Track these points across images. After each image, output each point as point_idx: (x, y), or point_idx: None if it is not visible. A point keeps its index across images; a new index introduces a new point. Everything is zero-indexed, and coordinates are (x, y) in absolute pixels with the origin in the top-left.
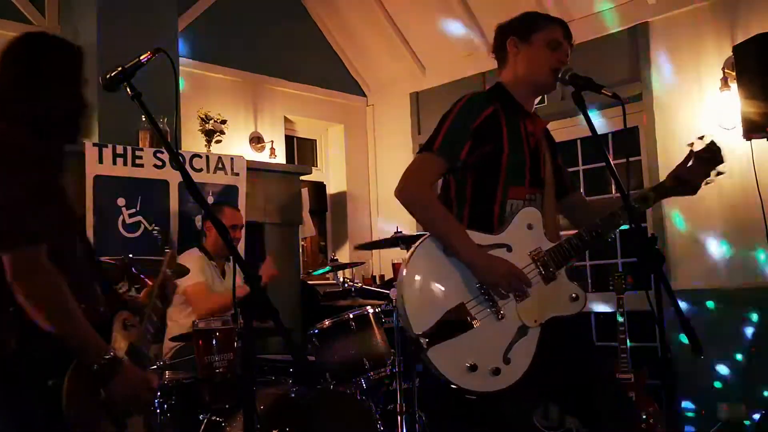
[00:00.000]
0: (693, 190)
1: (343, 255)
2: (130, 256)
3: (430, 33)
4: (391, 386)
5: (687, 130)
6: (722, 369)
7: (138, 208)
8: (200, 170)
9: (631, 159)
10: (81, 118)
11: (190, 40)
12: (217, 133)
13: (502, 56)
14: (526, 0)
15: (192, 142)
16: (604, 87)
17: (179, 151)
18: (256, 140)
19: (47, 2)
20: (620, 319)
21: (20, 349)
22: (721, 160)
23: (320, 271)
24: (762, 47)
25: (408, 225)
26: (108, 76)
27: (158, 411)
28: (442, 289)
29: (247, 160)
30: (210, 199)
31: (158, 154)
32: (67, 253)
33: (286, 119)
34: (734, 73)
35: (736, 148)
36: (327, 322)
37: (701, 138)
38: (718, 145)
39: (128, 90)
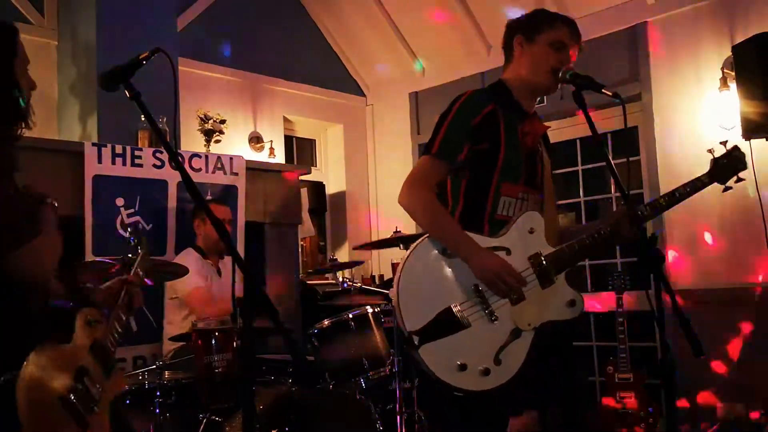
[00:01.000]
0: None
1: (343, 255)
2: (129, 256)
3: (430, 33)
4: (390, 386)
5: (686, 130)
6: (721, 369)
7: (137, 208)
8: (199, 170)
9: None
10: (11, 101)
11: (189, 40)
12: (216, 133)
13: (509, 54)
14: (526, 0)
15: (191, 141)
16: (605, 86)
17: (178, 151)
18: (255, 140)
19: (46, 2)
20: (619, 318)
21: None
22: (744, 166)
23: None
24: (761, 47)
25: (407, 225)
26: (107, 75)
27: (158, 411)
28: (437, 289)
29: (246, 160)
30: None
31: (157, 154)
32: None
33: (286, 119)
34: (733, 73)
35: None
36: (326, 322)
37: (724, 143)
38: (742, 151)
39: (127, 90)
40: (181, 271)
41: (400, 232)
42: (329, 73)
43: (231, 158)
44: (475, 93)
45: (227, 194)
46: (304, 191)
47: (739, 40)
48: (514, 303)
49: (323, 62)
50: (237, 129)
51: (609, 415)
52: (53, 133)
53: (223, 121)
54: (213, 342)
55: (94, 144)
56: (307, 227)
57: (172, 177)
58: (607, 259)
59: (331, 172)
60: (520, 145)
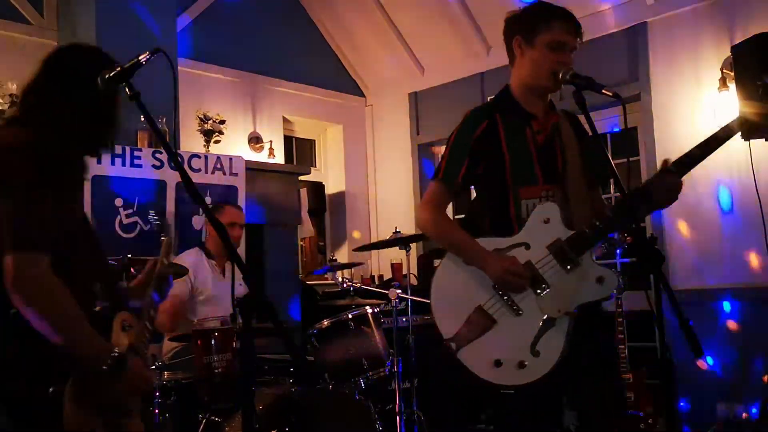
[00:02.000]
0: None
1: (342, 255)
2: (129, 256)
3: (429, 33)
4: (389, 386)
5: (685, 131)
6: (721, 368)
7: (135, 209)
8: (199, 170)
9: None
10: (103, 130)
11: (188, 40)
12: (216, 134)
13: (511, 57)
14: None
15: (191, 142)
16: (605, 87)
17: (178, 152)
18: (255, 140)
19: (45, 2)
20: (619, 319)
21: (21, 353)
22: None
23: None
24: (760, 47)
25: (407, 225)
26: (106, 76)
27: (157, 411)
28: (463, 295)
29: (245, 160)
30: (208, 200)
31: (157, 155)
32: (75, 262)
33: (285, 119)
34: (733, 74)
35: (734, 148)
36: (326, 322)
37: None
38: None
39: (127, 90)
40: (182, 272)
41: (399, 232)
42: (329, 73)
43: (230, 159)
44: (473, 111)
45: (227, 195)
46: (303, 191)
47: (738, 40)
48: (540, 293)
49: (323, 62)
50: (236, 129)
51: None
52: None
53: (222, 122)
54: (213, 342)
55: None
56: (306, 227)
57: (172, 177)
58: (607, 259)
59: (330, 173)
60: (529, 147)
